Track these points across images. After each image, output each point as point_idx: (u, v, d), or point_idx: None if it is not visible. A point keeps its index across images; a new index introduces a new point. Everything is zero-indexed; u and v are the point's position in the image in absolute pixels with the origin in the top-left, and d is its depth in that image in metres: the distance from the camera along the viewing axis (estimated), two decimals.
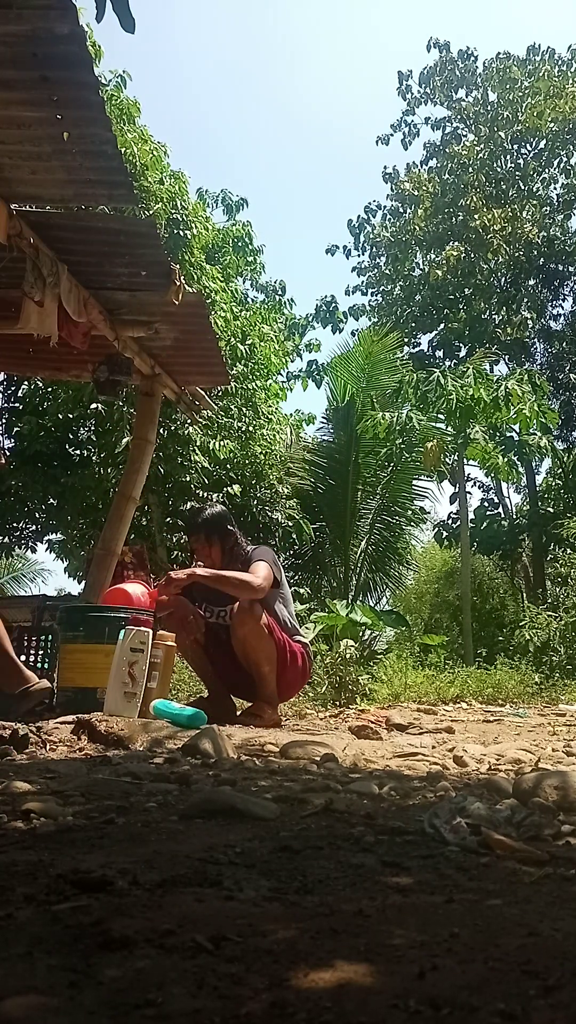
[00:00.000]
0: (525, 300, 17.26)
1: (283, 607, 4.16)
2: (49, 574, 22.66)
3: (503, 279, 17.89)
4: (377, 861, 1.31)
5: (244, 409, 10.56)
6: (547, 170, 17.83)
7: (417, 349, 18.21)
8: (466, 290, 17.66)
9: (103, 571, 5.18)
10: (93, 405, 9.17)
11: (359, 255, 19.09)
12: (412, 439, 11.09)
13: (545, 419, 10.35)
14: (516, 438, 12.50)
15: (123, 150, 8.31)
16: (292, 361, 14.59)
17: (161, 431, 8.42)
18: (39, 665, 4.49)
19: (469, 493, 15.47)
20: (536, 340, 18.13)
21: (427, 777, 2.30)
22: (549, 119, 16.83)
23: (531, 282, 17.76)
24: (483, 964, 0.85)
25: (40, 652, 4.52)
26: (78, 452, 10.62)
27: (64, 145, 3.24)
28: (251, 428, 10.53)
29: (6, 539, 11.58)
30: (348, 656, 6.83)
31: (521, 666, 8.78)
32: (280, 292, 14.59)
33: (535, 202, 17.06)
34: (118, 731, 2.75)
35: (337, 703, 6.10)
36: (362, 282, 19.18)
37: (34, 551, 12.29)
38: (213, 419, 9.73)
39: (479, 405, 9.95)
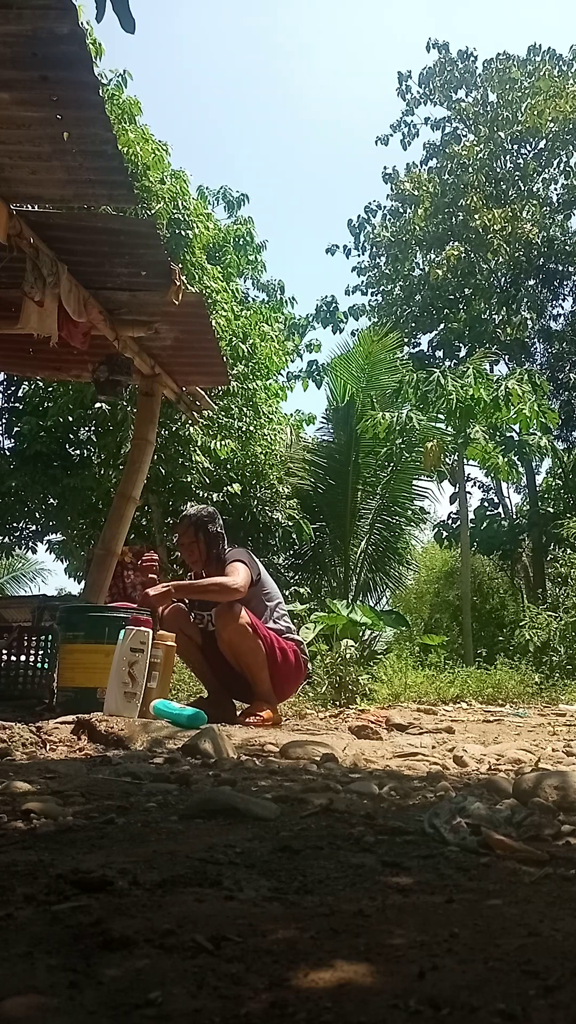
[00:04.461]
0: (525, 300, 17.25)
1: (268, 603, 4.16)
2: (49, 574, 22.72)
3: (503, 279, 17.88)
4: (377, 861, 1.31)
5: (244, 409, 10.56)
6: (547, 170, 17.82)
7: (417, 349, 18.21)
8: (466, 290, 17.66)
9: (103, 571, 5.18)
10: (96, 405, 9.16)
11: (359, 255, 19.11)
12: (412, 439, 11.09)
13: (545, 419, 10.35)
14: (516, 438, 12.51)
15: (124, 149, 8.32)
16: (292, 361, 14.60)
17: (162, 431, 8.42)
18: (39, 665, 4.49)
19: (469, 493, 15.47)
20: (536, 340, 18.13)
21: (427, 777, 2.30)
22: (549, 119, 16.82)
23: (531, 282, 17.75)
24: (483, 964, 0.85)
25: (40, 652, 4.52)
26: (78, 452, 10.62)
27: (64, 145, 3.24)
28: (251, 428, 10.53)
29: (6, 539, 11.58)
30: (348, 656, 6.83)
31: (521, 666, 8.78)
32: (280, 291, 14.59)
33: (535, 202, 17.05)
34: (118, 731, 2.75)
35: (337, 703, 6.10)
36: (362, 282, 19.19)
37: (34, 551, 12.31)
38: (214, 419, 9.74)
39: (479, 405, 9.95)
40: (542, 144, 17.64)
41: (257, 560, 4.24)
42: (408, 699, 6.69)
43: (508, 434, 12.47)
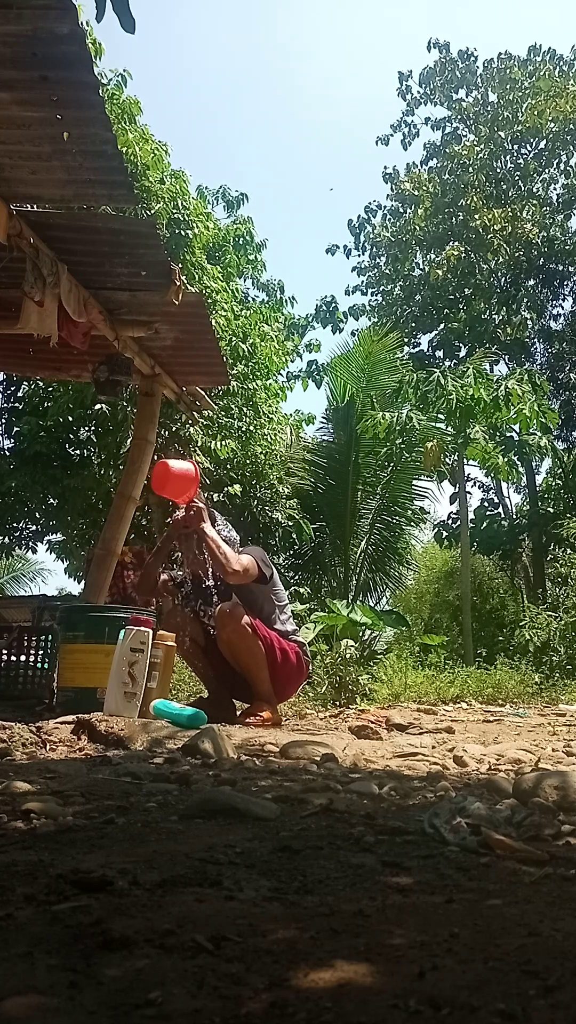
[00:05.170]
0: (525, 300, 17.25)
1: (277, 605, 4.17)
2: (49, 574, 22.71)
3: (503, 279, 17.88)
4: (377, 861, 1.31)
5: (245, 409, 10.55)
6: (547, 170, 17.82)
7: (417, 349, 18.20)
8: (466, 290, 17.65)
9: (103, 571, 5.19)
10: (96, 405, 9.15)
11: (359, 255, 19.10)
12: (412, 439, 11.09)
13: (545, 419, 10.35)
14: (516, 438, 12.50)
15: (124, 149, 8.31)
16: (292, 361, 14.58)
17: (162, 431, 8.41)
18: (39, 665, 4.49)
19: (469, 493, 15.47)
20: (536, 340, 18.12)
21: (427, 777, 2.30)
22: (549, 119, 16.82)
23: (531, 282, 17.74)
24: (483, 964, 0.85)
25: (40, 652, 4.52)
26: (78, 452, 10.61)
27: (64, 145, 3.24)
28: (251, 428, 10.52)
29: (6, 539, 11.57)
30: (348, 656, 6.83)
31: (521, 666, 8.78)
32: (280, 291, 14.58)
33: (535, 202, 17.05)
34: (118, 731, 2.75)
35: (337, 703, 6.10)
36: (362, 282, 19.18)
37: (34, 551, 12.29)
38: (214, 419, 9.73)
39: (479, 405, 9.94)
40: (542, 144, 17.64)
41: (270, 563, 4.25)
42: (408, 699, 6.68)
43: (508, 434, 12.46)
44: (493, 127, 17.55)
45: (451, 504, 16.61)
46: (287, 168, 55.87)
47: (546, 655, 9.72)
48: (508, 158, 17.94)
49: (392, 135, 19.01)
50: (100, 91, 3.21)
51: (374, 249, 18.83)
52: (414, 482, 12.40)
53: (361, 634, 9.43)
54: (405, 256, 18.23)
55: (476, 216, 16.51)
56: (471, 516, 14.84)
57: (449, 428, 10.56)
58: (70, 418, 9.88)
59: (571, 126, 16.90)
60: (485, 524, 16.40)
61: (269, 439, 10.83)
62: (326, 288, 41.69)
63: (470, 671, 8.26)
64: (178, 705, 3.46)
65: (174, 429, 9.49)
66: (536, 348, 18.27)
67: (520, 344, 17.41)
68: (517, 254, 16.82)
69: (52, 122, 3.13)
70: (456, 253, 16.74)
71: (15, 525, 11.35)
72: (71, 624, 3.80)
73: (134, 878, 1.13)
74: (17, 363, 5.88)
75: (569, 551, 12.58)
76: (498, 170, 17.76)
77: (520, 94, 17.50)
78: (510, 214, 16.50)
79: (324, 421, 13.18)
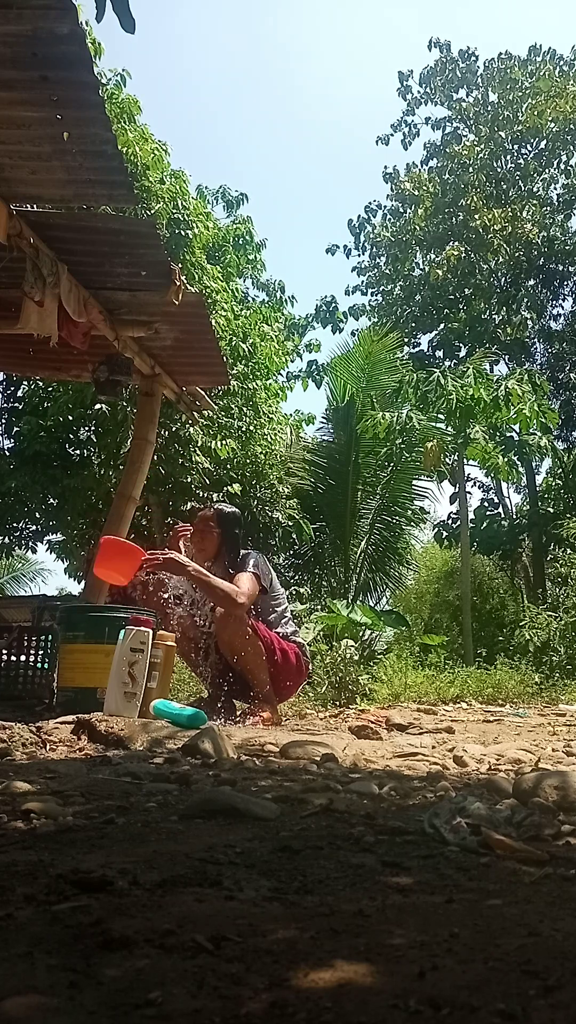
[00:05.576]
0: (525, 300, 17.25)
1: (275, 609, 4.17)
2: (49, 574, 22.75)
3: (503, 279, 17.88)
4: (377, 861, 1.31)
5: (244, 409, 10.56)
6: (547, 170, 17.83)
7: (417, 349, 18.21)
8: (466, 290, 17.66)
9: None
10: (96, 405, 9.16)
11: (359, 255, 19.12)
12: (412, 439, 11.09)
13: (545, 419, 10.35)
14: (516, 438, 12.51)
15: (124, 149, 8.32)
16: (292, 361, 14.59)
17: (162, 431, 8.41)
18: (39, 665, 4.48)
19: (469, 493, 15.48)
20: (536, 340, 18.12)
21: (427, 777, 2.30)
22: (550, 119, 16.82)
23: (531, 282, 17.75)
24: (483, 964, 0.85)
25: (40, 652, 4.52)
26: (78, 452, 10.61)
27: (64, 145, 3.24)
28: (251, 428, 10.53)
29: (6, 539, 11.58)
30: (348, 656, 6.82)
31: (521, 666, 8.77)
32: (280, 291, 14.59)
33: (535, 202, 17.05)
34: (118, 731, 2.75)
35: (337, 703, 6.10)
36: (362, 282, 19.20)
37: (34, 551, 12.30)
38: (214, 419, 9.74)
39: (479, 405, 9.95)
40: (542, 144, 17.65)
41: (271, 568, 4.25)
42: (408, 699, 6.68)
43: (508, 434, 12.47)
44: (493, 127, 17.56)
45: (451, 504, 16.66)
46: (287, 168, 55.92)
47: (546, 655, 9.72)
48: (508, 158, 17.94)
49: (392, 135, 19.05)
50: (100, 91, 3.22)
51: (374, 249, 18.83)
52: (414, 482, 12.41)
53: (361, 634, 9.43)
54: (405, 256, 18.24)
55: (476, 216, 16.51)
56: (471, 516, 14.85)
57: (449, 428, 10.56)
58: (70, 418, 9.89)
59: (571, 126, 16.91)
60: (485, 524, 16.41)
61: (269, 439, 10.84)
62: (326, 288, 41.80)
63: (470, 671, 8.26)
64: (178, 705, 3.46)
65: (174, 429, 9.49)
66: (536, 348, 18.28)
67: (520, 344, 17.41)
68: (517, 254, 16.82)
69: (52, 122, 3.13)
70: (456, 253, 16.74)
71: (15, 525, 11.36)
72: (71, 624, 3.79)
73: (134, 878, 1.13)
74: (17, 363, 5.88)
75: (569, 551, 12.58)
76: (498, 170, 17.76)
77: (520, 94, 17.50)
78: (510, 214, 16.51)
79: (324, 421, 13.21)
